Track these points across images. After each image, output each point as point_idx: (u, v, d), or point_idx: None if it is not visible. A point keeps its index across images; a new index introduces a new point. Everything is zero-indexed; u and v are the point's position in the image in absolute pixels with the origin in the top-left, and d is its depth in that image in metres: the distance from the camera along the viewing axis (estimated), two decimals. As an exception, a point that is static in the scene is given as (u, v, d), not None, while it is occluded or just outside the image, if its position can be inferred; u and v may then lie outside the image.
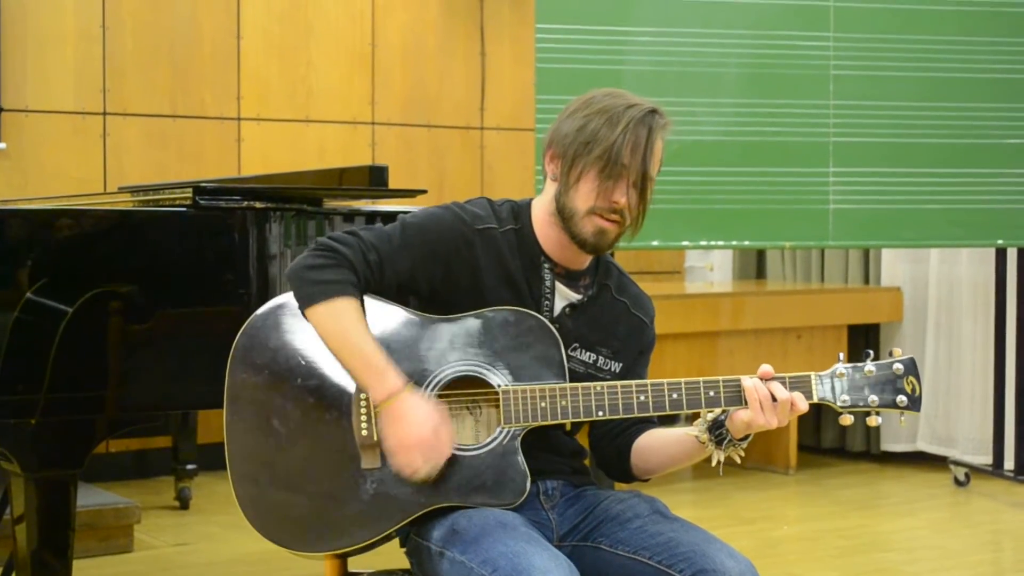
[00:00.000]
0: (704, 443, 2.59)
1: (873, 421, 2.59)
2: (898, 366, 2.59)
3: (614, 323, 2.73)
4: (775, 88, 5.33)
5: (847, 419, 2.58)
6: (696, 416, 2.62)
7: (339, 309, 2.53)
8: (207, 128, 6.44)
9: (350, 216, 3.73)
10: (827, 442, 7.16)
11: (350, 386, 2.56)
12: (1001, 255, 6.12)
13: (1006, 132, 5.56)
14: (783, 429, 6.51)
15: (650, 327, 2.80)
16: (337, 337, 2.53)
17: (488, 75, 7.18)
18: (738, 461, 2.63)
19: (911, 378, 2.59)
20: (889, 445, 6.91)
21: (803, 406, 2.53)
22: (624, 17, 5.18)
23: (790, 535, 5.39)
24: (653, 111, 2.59)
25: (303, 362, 2.58)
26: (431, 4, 7.01)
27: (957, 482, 6.27)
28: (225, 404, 2.58)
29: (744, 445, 2.59)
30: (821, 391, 2.57)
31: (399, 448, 2.49)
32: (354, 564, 2.70)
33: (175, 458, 5.63)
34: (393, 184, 4.02)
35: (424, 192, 3.99)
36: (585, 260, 2.71)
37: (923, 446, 6.79)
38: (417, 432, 2.47)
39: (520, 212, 2.70)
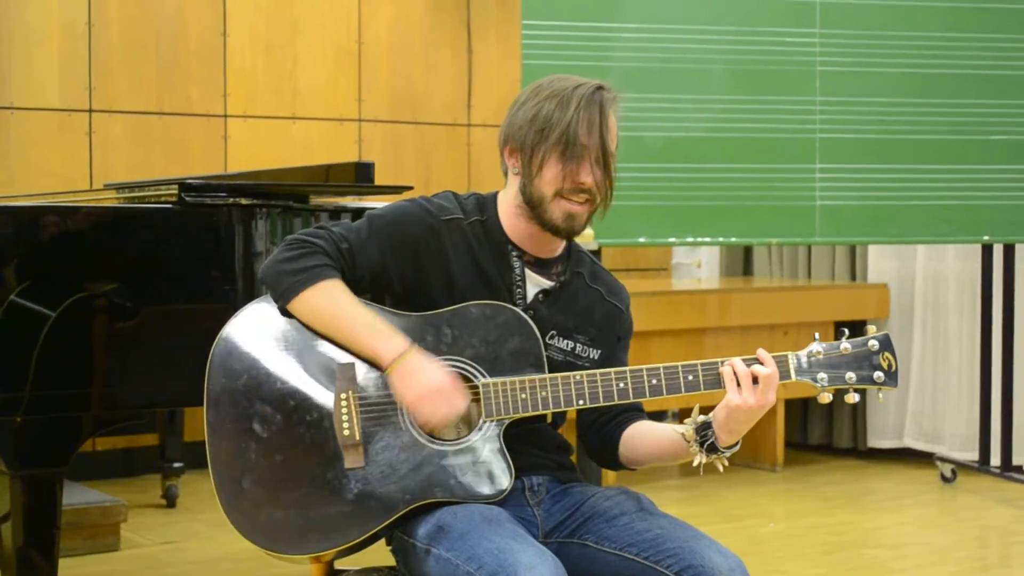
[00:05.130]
0: (689, 441, 2.59)
1: (851, 399, 2.61)
2: (873, 343, 2.61)
3: (589, 310, 2.74)
4: (761, 84, 5.33)
5: (825, 397, 2.60)
6: (687, 415, 2.62)
7: (327, 289, 2.56)
8: (193, 125, 6.42)
9: (336, 213, 3.73)
10: (814, 439, 7.17)
11: (330, 387, 2.55)
12: (987, 251, 6.13)
13: (993, 128, 5.56)
14: (769, 426, 6.52)
15: (626, 313, 2.81)
16: (332, 315, 2.55)
17: (475, 72, 7.18)
18: (720, 470, 2.62)
19: (887, 354, 2.61)
20: (876, 442, 6.92)
21: (767, 368, 2.52)
22: (610, 13, 5.18)
23: (777, 532, 5.39)
24: (601, 87, 2.62)
25: (283, 365, 2.58)
26: (417, 1, 7.01)
27: (943, 478, 6.28)
28: (205, 410, 2.58)
29: (728, 455, 2.59)
30: (799, 371, 2.58)
31: (418, 400, 2.50)
32: (340, 562, 2.69)
33: (162, 456, 5.61)
34: (380, 181, 4.02)
35: (410, 188, 3.97)
36: (555, 248, 2.72)
37: (909, 442, 6.80)
38: (432, 381, 2.50)
39: (486, 204, 2.72)
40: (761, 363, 2.54)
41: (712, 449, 2.58)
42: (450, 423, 2.53)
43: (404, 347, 2.52)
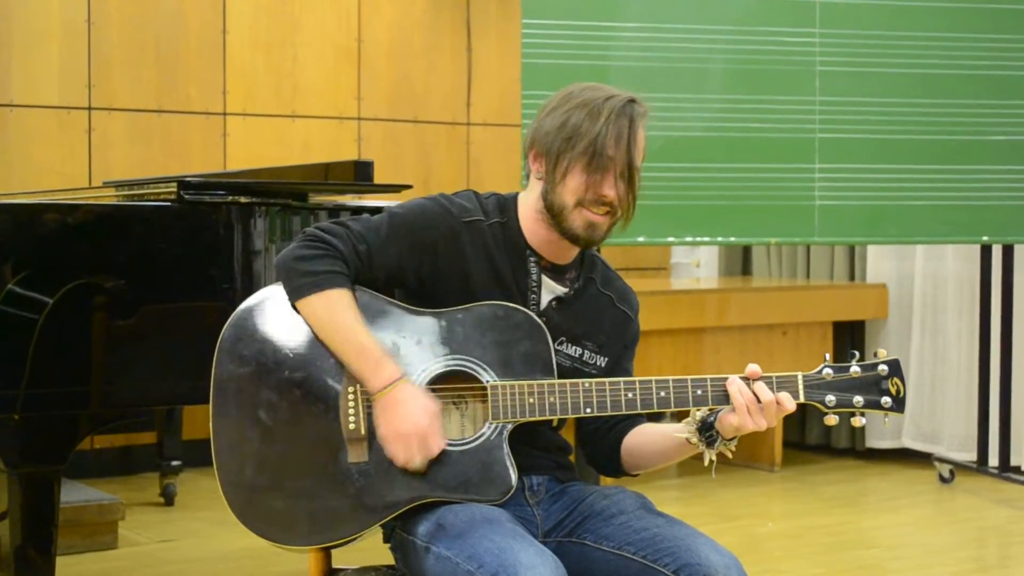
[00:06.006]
0: (695, 444, 2.60)
1: (857, 422, 2.62)
2: (883, 367, 2.61)
3: (599, 317, 2.73)
4: (761, 84, 5.32)
5: (832, 419, 2.60)
6: (685, 412, 2.63)
7: (332, 300, 2.54)
8: (193, 123, 6.42)
9: (335, 211, 3.72)
10: (812, 439, 7.17)
11: (338, 379, 2.55)
12: (986, 252, 6.13)
13: (992, 129, 5.56)
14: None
15: (634, 320, 2.81)
16: (331, 328, 2.54)
17: (474, 70, 7.17)
18: (729, 456, 2.64)
19: (895, 379, 2.61)
20: (874, 442, 6.92)
21: (790, 405, 2.54)
22: (610, 12, 5.17)
23: (775, 532, 5.39)
24: (632, 100, 2.61)
25: (291, 354, 2.57)
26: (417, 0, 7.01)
27: (941, 479, 6.28)
28: (211, 396, 2.57)
29: (734, 444, 2.60)
30: (808, 392, 2.58)
31: (394, 437, 2.49)
32: (338, 560, 2.69)
33: (160, 454, 5.61)
34: (379, 179, 4.02)
35: (410, 187, 3.98)
36: (571, 254, 2.71)
37: (908, 443, 6.80)
38: (413, 421, 2.48)
39: (506, 206, 2.71)
40: (772, 388, 2.55)
41: (718, 443, 2.59)
42: (417, 470, 2.52)
43: (392, 377, 2.51)
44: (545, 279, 2.68)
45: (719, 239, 5.53)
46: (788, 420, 6.99)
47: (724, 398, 2.55)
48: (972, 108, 5.53)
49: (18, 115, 6.02)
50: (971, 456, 6.34)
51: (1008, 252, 6.06)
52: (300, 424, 2.55)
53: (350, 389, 2.54)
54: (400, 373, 2.52)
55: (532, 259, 2.67)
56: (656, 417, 2.83)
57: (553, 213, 2.61)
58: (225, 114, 6.49)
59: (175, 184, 3.47)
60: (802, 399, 2.58)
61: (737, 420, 2.53)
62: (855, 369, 2.60)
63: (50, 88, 6.08)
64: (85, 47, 6.15)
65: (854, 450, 7.01)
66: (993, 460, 6.15)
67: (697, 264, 8.00)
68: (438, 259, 2.62)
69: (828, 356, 2.64)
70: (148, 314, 3.35)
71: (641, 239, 5.26)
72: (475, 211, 2.67)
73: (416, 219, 2.64)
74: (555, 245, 2.67)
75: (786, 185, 5.35)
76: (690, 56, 5.25)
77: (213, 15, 6.46)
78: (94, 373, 3.28)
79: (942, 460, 6.36)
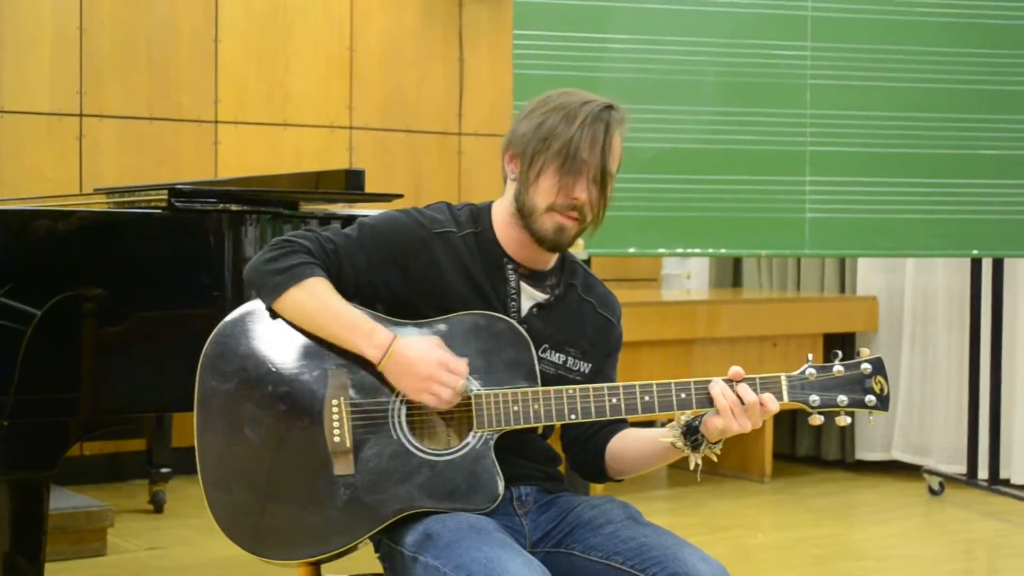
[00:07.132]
0: (680, 448, 2.60)
1: (842, 421, 2.62)
2: (866, 366, 2.61)
3: (582, 323, 2.74)
4: (753, 97, 5.33)
5: (817, 419, 2.60)
6: (671, 417, 2.63)
7: (310, 287, 2.55)
8: (184, 131, 6.42)
9: (326, 220, 3.72)
10: (802, 451, 7.17)
11: (322, 392, 2.54)
12: (976, 265, 6.14)
13: (983, 143, 5.57)
14: (758, 437, 6.54)
15: (617, 326, 2.81)
16: (316, 313, 2.54)
17: (466, 80, 7.18)
18: (714, 460, 2.64)
19: (879, 378, 2.61)
20: (864, 454, 6.92)
21: (773, 406, 2.54)
22: (602, 24, 5.18)
23: (764, 543, 5.39)
24: (609, 106, 2.62)
25: (274, 369, 2.57)
26: (409, 9, 7.01)
27: (931, 491, 6.29)
28: (195, 413, 2.56)
29: (719, 447, 2.60)
30: (791, 392, 2.58)
31: (421, 390, 2.50)
32: (327, 569, 2.69)
33: (149, 461, 5.61)
34: (370, 188, 4.02)
35: (401, 196, 3.98)
36: (549, 260, 2.71)
37: (898, 455, 6.80)
38: (425, 366, 2.49)
39: (480, 215, 2.71)
40: (755, 389, 2.55)
41: (703, 447, 2.59)
42: (459, 397, 2.52)
43: (388, 342, 2.51)
44: (524, 286, 2.68)
45: (710, 251, 5.53)
46: (778, 431, 6.99)
47: (708, 401, 2.55)
48: (962, 122, 5.55)
49: (8, 121, 6.01)
50: (961, 468, 6.34)
51: (998, 266, 6.07)
52: (285, 439, 2.54)
53: (334, 402, 2.53)
54: (393, 335, 2.53)
55: (510, 267, 2.68)
56: (647, 425, 2.83)
57: (524, 214, 2.62)
58: (216, 122, 6.49)
59: (166, 192, 3.46)
60: (786, 400, 2.58)
61: (722, 423, 2.53)
62: (838, 368, 2.60)
63: (41, 94, 6.08)
64: (77, 53, 6.14)
65: (844, 462, 7.02)
66: (983, 473, 6.15)
67: (688, 276, 8.01)
68: (409, 270, 2.62)
69: (811, 356, 2.64)
70: (138, 321, 3.35)
71: (632, 250, 5.26)
72: (447, 222, 2.67)
73: (385, 229, 2.65)
74: (531, 250, 2.67)
75: (777, 197, 5.36)
76: (682, 68, 5.26)
77: (205, 23, 6.46)
78: (84, 380, 3.27)
79: (932, 472, 6.36)
